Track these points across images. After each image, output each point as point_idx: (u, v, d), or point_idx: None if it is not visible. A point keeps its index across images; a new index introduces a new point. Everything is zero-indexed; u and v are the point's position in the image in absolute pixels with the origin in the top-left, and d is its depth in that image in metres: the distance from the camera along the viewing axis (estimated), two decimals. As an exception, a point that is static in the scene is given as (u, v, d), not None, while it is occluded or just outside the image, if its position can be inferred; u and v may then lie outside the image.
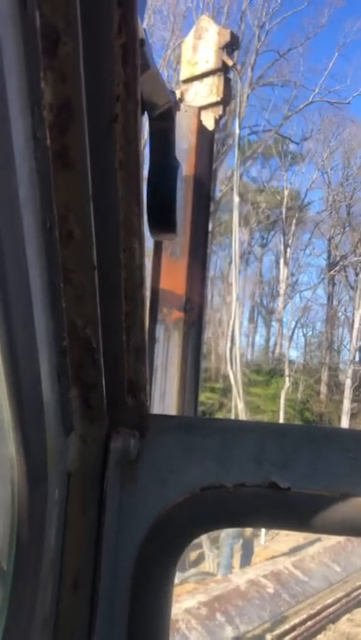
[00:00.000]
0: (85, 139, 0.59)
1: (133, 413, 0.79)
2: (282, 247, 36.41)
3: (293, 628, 6.28)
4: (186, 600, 6.37)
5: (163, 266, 7.97)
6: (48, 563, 0.71)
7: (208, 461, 0.79)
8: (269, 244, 39.09)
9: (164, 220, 1.03)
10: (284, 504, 0.79)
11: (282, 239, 36.60)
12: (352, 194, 35.27)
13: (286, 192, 35.15)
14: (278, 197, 35.70)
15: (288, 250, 35.86)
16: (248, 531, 8.63)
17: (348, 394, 31.69)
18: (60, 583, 0.74)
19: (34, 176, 0.57)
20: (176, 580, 7.91)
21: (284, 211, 35.22)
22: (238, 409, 9.53)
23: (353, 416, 31.53)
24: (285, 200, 34.96)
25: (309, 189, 36.90)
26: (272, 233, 38.50)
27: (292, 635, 6.15)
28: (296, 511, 0.80)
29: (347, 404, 31.56)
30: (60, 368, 0.69)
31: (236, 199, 9.83)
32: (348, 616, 6.99)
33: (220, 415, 23.52)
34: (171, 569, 0.84)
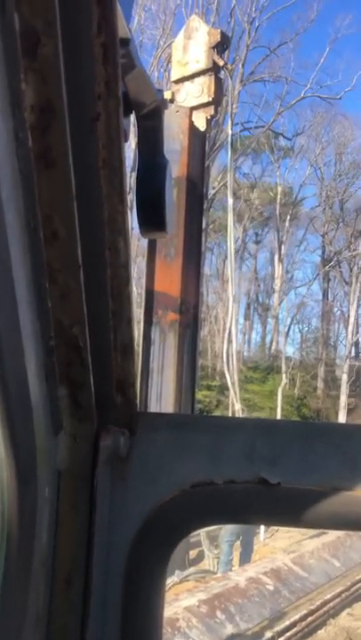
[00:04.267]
0: (67, 138, 0.60)
1: (122, 411, 0.80)
2: (276, 244, 36.47)
3: (294, 624, 6.30)
4: (186, 598, 6.38)
5: (157, 268, 7.98)
6: (39, 561, 0.71)
7: (198, 458, 0.80)
8: (264, 241, 39.20)
9: (153, 219, 1.03)
10: (274, 499, 0.79)
11: (276, 236, 36.66)
12: (345, 189, 35.35)
13: (279, 188, 35.19)
14: (271, 194, 35.75)
15: (282, 246, 35.92)
16: (248, 528, 8.65)
17: (344, 389, 31.78)
18: (52, 581, 0.74)
19: (16, 177, 0.57)
20: (176, 579, 7.94)
21: (277, 207, 35.26)
22: (235, 409, 9.55)
23: (350, 411, 31.64)
24: (279, 196, 35.00)
25: (303, 185, 36.99)
26: (266, 229, 38.61)
27: (293, 631, 6.17)
28: (286, 506, 0.80)
29: (344, 399, 31.65)
30: (48, 367, 0.69)
31: (231, 200, 9.83)
32: (348, 610, 7.01)
33: (217, 413, 23.54)
34: (163, 565, 0.84)
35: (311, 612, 6.63)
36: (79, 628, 0.73)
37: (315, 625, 6.43)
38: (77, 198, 0.63)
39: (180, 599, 6.38)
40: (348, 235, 35.16)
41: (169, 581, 7.72)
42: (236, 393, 9.56)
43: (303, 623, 6.37)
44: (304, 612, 6.59)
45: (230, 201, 9.59)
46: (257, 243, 39.09)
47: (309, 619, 6.50)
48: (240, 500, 0.80)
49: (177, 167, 8.00)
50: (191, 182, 8.21)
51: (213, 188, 28.42)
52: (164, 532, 0.81)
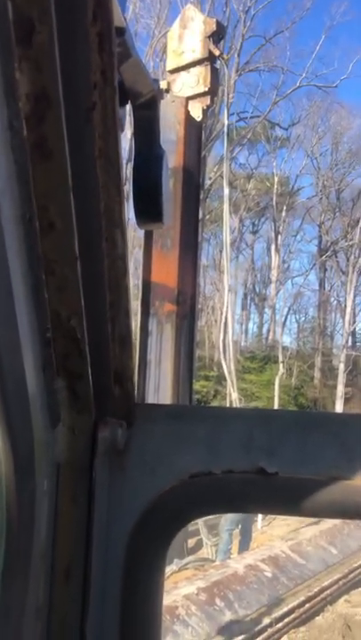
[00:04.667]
0: (63, 128, 0.59)
1: (120, 403, 0.79)
2: (273, 234, 36.41)
3: (292, 611, 6.36)
4: (185, 586, 6.43)
5: (154, 259, 7.96)
6: (39, 553, 0.71)
7: (196, 449, 0.80)
8: (260, 231, 39.12)
9: (150, 209, 1.03)
10: (272, 489, 0.80)
11: (272, 226, 36.59)
12: (341, 179, 35.27)
13: (276, 178, 35.06)
14: (268, 184, 35.62)
15: (279, 236, 35.87)
16: (246, 516, 8.71)
17: (341, 378, 31.88)
18: (51, 573, 0.74)
19: (12, 167, 0.56)
20: (175, 567, 8.00)
21: (274, 197, 35.16)
22: (232, 398, 9.58)
23: (347, 400, 31.75)
24: (275, 186, 34.88)
25: (299, 175, 36.86)
26: (262, 220, 38.52)
27: (291, 617, 6.23)
28: (284, 495, 0.81)
29: (341, 389, 31.75)
30: (45, 359, 0.69)
31: (227, 191, 9.79)
32: (345, 597, 7.07)
33: (215, 403, 23.59)
34: (162, 555, 0.84)
35: (309, 599, 6.69)
36: (79, 619, 0.74)
37: (313, 611, 6.50)
38: (74, 189, 0.62)
39: (179, 587, 6.43)
40: (344, 224, 35.11)
41: (168, 570, 7.77)
42: (233, 383, 9.58)
43: (301, 610, 6.43)
44: (302, 598, 6.66)
45: (226, 191, 9.56)
46: (254, 233, 39.03)
47: (307, 605, 6.56)
48: (238, 489, 0.81)
49: (173, 157, 7.96)
50: (188, 172, 8.17)
51: (210, 179, 28.32)
52: (163, 522, 0.82)
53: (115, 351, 0.76)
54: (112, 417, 0.79)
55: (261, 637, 5.71)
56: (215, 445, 0.80)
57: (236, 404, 9.68)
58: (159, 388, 7.76)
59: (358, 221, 33.41)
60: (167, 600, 6.01)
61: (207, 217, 30.06)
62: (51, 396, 0.71)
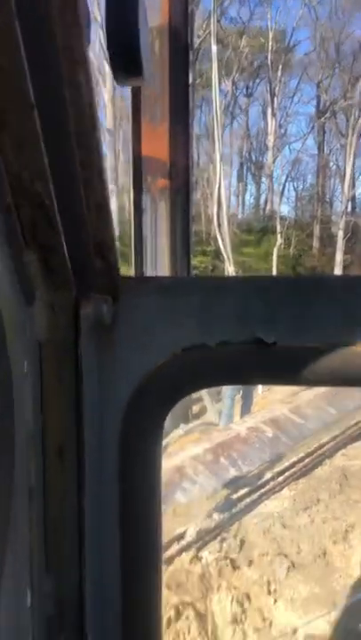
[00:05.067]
0: None
1: (103, 277, 0.73)
2: (268, 96, 34.36)
3: (292, 465, 6.82)
4: (191, 448, 6.85)
5: (143, 131, 7.50)
6: (25, 433, 0.69)
7: (188, 322, 0.75)
8: (255, 94, 36.88)
9: (127, 59, 0.90)
10: (270, 359, 0.76)
11: (268, 87, 34.42)
12: (341, 29, 32.50)
13: (271, 33, 32.34)
14: (262, 40, 32.94)
15: (275, 99, 33.87)
16: (247, 383, 9.06)
17: (340, 245, 31.73)
18: (43, 454, 0.73)
19: None
20: (181, 432, 8.47)
21: (269, 55, 32.68)
22: (228, 272, 9.56)
23: (345, 268, 31.86)
24: (270, 42, 32.28)
25: (295, 28, 34.01)
26: (257, 81, 36.16)
27: (291, 471, 6.70)
28: (283, 365, 0.78)
29: (339, 256, 31.74)
30: (9, 228, 0.62)
31: (215, 48, 9.00)
32: (343, 451, 7.55)
33: (213, 277, 23.73)
34: (157, 431, 0.83)
35: (308, 455, 7.16)
36: (76, 496, 0.74)
37: (312, 465, 6.97)
38: (20, 20, 0.51)
39: (186, 450, 6.86)
40: (344, 81, 32.98)
41: (175, 434, 8.25)
42: (228, 257, 9.51)
43: (301, 464, 6.90)
44: (301, 454, 7.11)
45: (214, 48, 8.79)
46: (248, 96, 36.82)
47: (307, 460, 7.03)
48: (234, 361, 0.78)
49: (157, 15, 7.23)
50: (174, 32, 7.44)
51: (199, 37, 26.17)
52: (157, 397, 0.79)
53: (91, 219, 0.69)
54: (95, 292, 0.74)
55: (264, 489, 6.18)
56: (208, 317, 0.76)
57: (233, 277, 9.70)
58: (157, 265, 7.70)
59: (359, 78, 31.35)
60: (175, 461, 6.44)
61: (198, 81, 28.21)
62: (20, 270, 0.65)
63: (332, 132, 36.05)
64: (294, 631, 4.08)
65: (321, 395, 9.41)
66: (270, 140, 34.34)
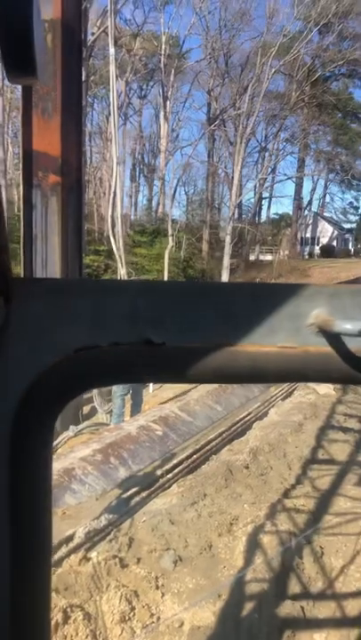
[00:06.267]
0: None
1: None
2: (161, 99, 34.79)
3: (181, 462, 6.99)
4: (81, 450, 6.79)
5: (34, 124, 7.30)
6: None
7: (81, 323, 0.78)
8: (148, 96, 37.21)
9: (20, 58, 0.91)
10: (159, 359, 0.81)
11: (161, 91, 34.85)
12: (230, 41, 33.71)
13: (164, 37, 32.80)
14: (155, 43, 33.31)
15: (168, 102, 34.37)
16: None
17: (227, 250, 32.87)
18: None
19: None
20: (71, 433, 8.31)
21: (162, 58, 33.11)
22: (121, 273, 9.59)
23: (232, 271, 33.09)
24: (163, 46, 32.72)
25: (188, 35, 34.77)
26: (151, 84, 36.52)
27: (180, 468, 6.86)
28: (171, 365, 0.83)
29: (227, 260, 32.86)
30: None
31: (112, 50, 9.00)
32: (228, 447, 7.85)
33: (106, 277, 23.57)
34: (48, 433, 0.85)
35: (196, 451, 7.36)
36: None
37: (199, 461, 7.18)
38: None
39: (75, 451, 6.79)
40: (233, 91, 34.21)
41: (64, 436, 8.13)
42: (121, 258, 9.54)
43: (189, 461, 7.08)
44: (190, 451, 7.30)
45: (112, 50, 8.79)
46: (142, 98, 37.04)
47: (194, 457, 7.23)
48: (126, 361, 0.81)
49: (49, 8, 7.10)
50: (67, 26, 7.35)
51: (92, 34, 25.89)
52: (48, 398, 0.81)
53: None
54: None
55: (154, 488, 6.28)
56: (100, 319, 0.79)
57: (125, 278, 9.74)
58: (47, 263, 7.53)
59: (246, 89, 32.65)
60: (64, 463, 6.35)
61: (91, 78, 27.90)
62: None
63: (221, 140, 37.25)
64: (181, 624, 4.19)
65: (209, 393, 9.72)
66: (163, 143, 34.81)
